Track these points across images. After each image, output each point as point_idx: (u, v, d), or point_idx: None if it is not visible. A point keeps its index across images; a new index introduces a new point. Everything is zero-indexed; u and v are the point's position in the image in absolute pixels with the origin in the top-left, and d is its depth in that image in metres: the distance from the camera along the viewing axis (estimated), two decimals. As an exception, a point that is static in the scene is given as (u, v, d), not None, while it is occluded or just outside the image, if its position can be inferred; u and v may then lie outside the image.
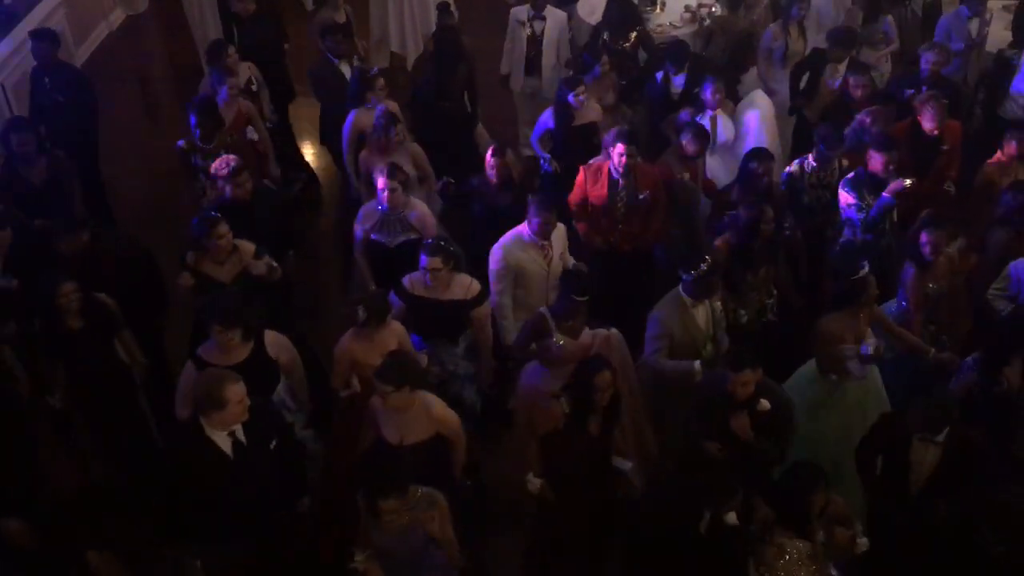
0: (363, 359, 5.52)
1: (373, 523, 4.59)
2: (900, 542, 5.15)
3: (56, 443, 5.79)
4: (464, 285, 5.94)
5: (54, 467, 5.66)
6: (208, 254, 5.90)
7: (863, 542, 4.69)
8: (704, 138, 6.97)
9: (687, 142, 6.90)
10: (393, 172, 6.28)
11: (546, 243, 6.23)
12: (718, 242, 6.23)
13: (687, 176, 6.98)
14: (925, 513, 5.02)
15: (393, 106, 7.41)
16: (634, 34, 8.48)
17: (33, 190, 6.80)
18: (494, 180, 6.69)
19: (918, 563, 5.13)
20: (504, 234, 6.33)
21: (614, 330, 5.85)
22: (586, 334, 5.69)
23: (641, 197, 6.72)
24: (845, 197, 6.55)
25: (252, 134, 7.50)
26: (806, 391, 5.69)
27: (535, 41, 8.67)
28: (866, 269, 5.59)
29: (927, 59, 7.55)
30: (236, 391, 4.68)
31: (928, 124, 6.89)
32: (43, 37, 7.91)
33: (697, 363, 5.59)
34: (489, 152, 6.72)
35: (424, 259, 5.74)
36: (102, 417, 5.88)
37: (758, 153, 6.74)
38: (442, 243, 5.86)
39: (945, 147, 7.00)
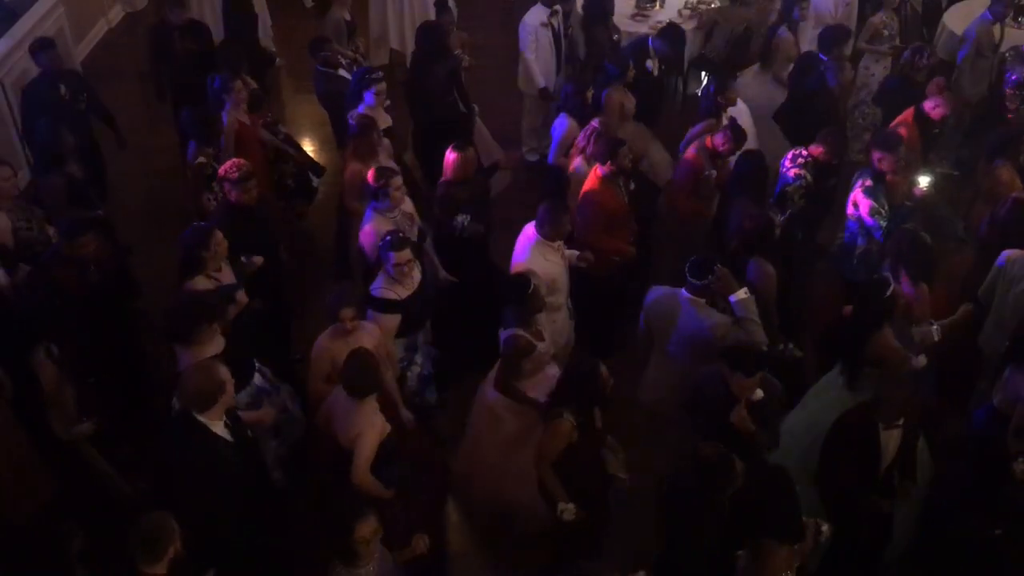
0: (340, 358, 5.45)
1: None
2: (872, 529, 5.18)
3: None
4: (416, 265, 5.98)
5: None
6: (205, 266, 5.79)
7: (826, 529, 4.67)
8: (742, 139, 6.87)
9: (721, 141, 6.81)
10: (395, 172, 6.31)
11: (560, 241, 6.23)
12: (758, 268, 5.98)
13: (714, 175, 6.89)
14: (892, 492, 5.07)
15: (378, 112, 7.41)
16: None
17: (78, 183, 6.89)
18: (451, 176, 6.61)
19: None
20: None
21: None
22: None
23: (632, 188, 6.76)
24: (865, 204, 6.45)
25: (281, 130, 7.64)
26: (840, 399, 5.54)
27: (557, 39, 8.65)
28: (892, 283, 5.53)
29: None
30: (225, 371, 4.77)
31: (934, 106, 7.03)
32: (49, 45, 7.78)
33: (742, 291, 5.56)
34: (449, 149, 6.62)
35: (393, 256, 5.70)
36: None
37: (751, 154, 6.71)
38: (400, 235, 5.86)
39: (936, 131, 7.12)
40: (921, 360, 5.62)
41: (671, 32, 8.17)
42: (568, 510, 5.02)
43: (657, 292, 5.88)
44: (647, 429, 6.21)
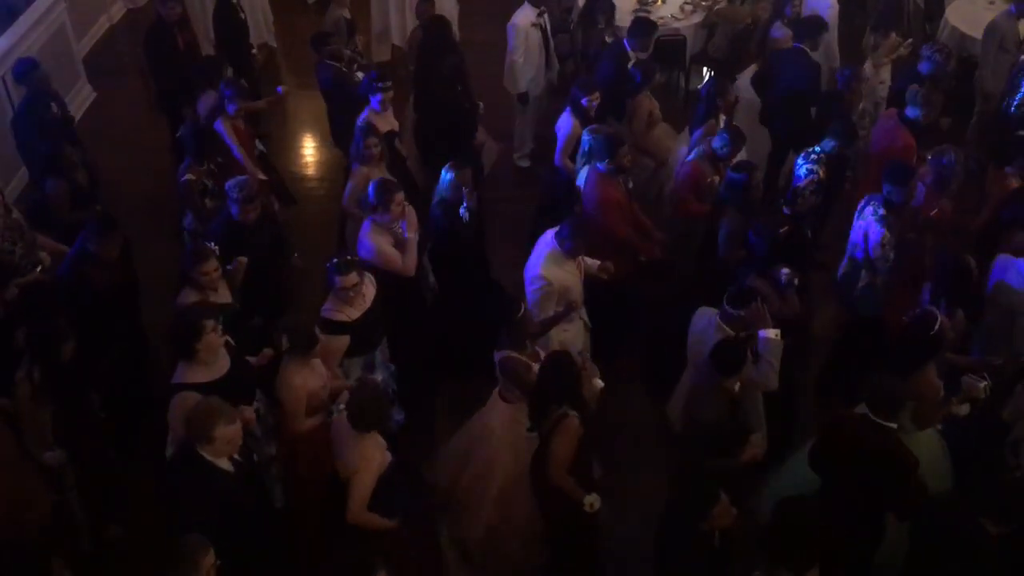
0: (313, 386, 5.40)
1: None
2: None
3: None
4: (369, 281, 5.93)
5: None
6: (196, 286, 5.76)
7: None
8: (741, 141, 6.83)
9: (720, 145, 6.75)
10: (397, 187, 6.31)
11: (580, 257, 6.22)
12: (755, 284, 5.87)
13: (716, 180, 6.81)
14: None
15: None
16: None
17: (82, 190, 6.94)
18: (451, 199, 6.57)
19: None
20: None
21: None
22: None
23: (631, 187, 6.76)
24: (877, 233, 6.15)
25: (260, 146, 7.68)
26: None
27: (546, 39, 8.62)
28: (938, 318, 5.32)
29: (930, 62, 7.52)
30: (226, 432, 4.57)
31: (912, 113, 6.93)
32: (35, 66, 7.67)
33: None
34: (445, 168, 6.59)
35: (339, 280, 5.64)
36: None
37: (738, 165, 6.56)
38: (348, 258, 5.80)
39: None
40: (964, 408, 5.38)
41: (639, 25, 8.15)
42: (596, 500, 5.01)
43: (705, 313, 5.72)
44: (656, 448, 6.25)
